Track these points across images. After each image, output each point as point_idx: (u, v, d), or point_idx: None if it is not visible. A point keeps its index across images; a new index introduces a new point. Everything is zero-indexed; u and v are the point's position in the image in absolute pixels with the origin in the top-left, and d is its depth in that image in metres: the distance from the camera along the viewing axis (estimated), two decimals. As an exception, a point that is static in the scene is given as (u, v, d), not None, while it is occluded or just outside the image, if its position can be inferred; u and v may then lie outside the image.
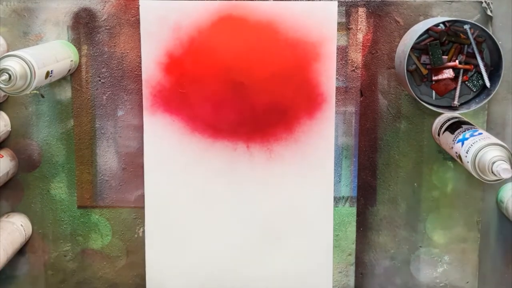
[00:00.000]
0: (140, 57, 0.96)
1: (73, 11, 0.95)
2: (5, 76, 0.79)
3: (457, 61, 0.92)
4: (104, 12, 0.96)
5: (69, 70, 0.94)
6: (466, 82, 0.94)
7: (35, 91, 0.96)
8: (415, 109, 0.97)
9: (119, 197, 0.99)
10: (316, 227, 0.98)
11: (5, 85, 0.80)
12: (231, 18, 0.94)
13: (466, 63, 0.93)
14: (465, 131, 0.87)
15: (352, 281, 1.01)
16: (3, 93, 0.94)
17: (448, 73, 0.93)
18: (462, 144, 0.85)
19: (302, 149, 0.97)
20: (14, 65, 0.80)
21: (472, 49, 0.92)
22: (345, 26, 0.95)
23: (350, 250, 1.00)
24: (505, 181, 0.93)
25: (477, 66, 0.93)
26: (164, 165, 0.97)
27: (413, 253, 1.00)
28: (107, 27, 0.96)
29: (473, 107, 0.91)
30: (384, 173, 0.99)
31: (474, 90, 0.94)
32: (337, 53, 0.95)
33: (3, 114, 0.97)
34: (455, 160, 0.89)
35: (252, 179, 0.98)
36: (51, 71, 0.86)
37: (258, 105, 0.96)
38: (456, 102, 0.93)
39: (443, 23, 0.93)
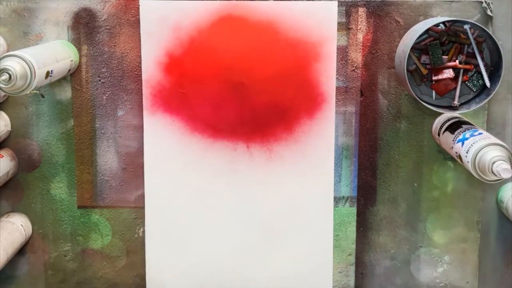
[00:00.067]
0: (140, 57, 0.96)
1: (73, 11, 0.95)
2: (5, 76, 0.79)
3: (457, 61, 0.92)
4: (104, 12, 0.96)
5: (69, 70, 0.94)
6: (466, 82, 0.94)
7: (35, 91, 0.96)
8: (415, 109, 0.97)
9: (119, 197, 0.99)
10: (316, 227, 0.98)
11: (5, 85, 0.80)
12: (231, 18, 0.94)
13: (466, 63, 0.93)
14: (465, 131, 0.87)
15: (352, 281, 1.01)
16: (3, 93, 0.94)
17: (448, 73, 0.93)
18: (462, 144, 0.85)
19: (302, 149, 0.97)
20: (14, 65, 0.80)
21: (472, 49, 0.92)
22: (345, 26, 0.95)
23: (350, 250, 1.00)
24: (505, 181, 0.93)
25: (477, 66, 0.93)
26: (164, 165, 0.97)
27: (413, 253, 1.00)
28: (107, 27, 0.96)
29: (473, 107, 0.91)
30: (384, 173, 0.99)
31: (474, 90, 0.94)
32: (337, 53, 0.95)
33: (3, 114, 0.97)
34: (455, 160, 0.89)
35: (252, 179, 0.98)
36: (51, 71, 0.86)
37: (258, 105, 0.96)
38: (456, 102, 0.93)
39: (443, 23, 0.93)
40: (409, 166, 0.98)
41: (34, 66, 0.81)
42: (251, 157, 0.97)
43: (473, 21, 0.89)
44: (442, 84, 0.94)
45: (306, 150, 0.97)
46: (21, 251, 0.99)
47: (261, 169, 0.97)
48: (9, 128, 0.97)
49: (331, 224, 0.98)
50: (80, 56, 0.96)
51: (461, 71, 0.93)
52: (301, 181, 0.97)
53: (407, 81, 0.90)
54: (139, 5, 0.95)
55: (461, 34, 0.92)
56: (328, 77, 0.95)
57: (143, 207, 0.99)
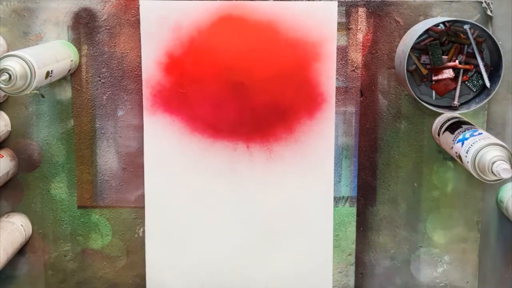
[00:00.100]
0: (140, 57, 0.96)
1: (73, 11, 0.95)
2: (5, 76, 0.79)
3: (457, 61, 0.92)
4: (104, 12, 0.96)
5: (69, 70, 0.94)
6: (466, 82, 0.94)
7: (35, 91, 0.96)
8: (415, 109, 0.97)
9: (119, 197, 0.99)
10: (316, 227, 0.98)
11: (5, 85, 0.80)
12: (231, 18, 0.94)
13: (466, 63, 0.93)
14: (465, 131, 0.87)
15: (352, 281, 1.01)
16: (3, 93, 0.94)
17: (448, 73, 0.93)
18: (462, 144, 0.85)
19: (302, 149, 0.97)
20: (14, 65, 0.80)
21: (472, 49, 0.92)
22: (345, 26, 0.95)
23: (350, 250, 1.00)
24: (505, 181, 0.93)
25: (477, 66, 0.93)
26: (164, 165, 0.97)
27: (413, 253, 1.00)
28: (107, 27, 0.96)
29: (473, 107, 0.91)
30: (384, 173, 0.99)
31: (474, 90, 0.94)
32: (337, 53, 0.95)
33: (3, 114, 0.97)
34: (455, 160, 0.89)
35: (252, 179, 0.98)
36: (51, 71, 0.86)
37: (258, 105, 0.96)
38: (456, 102, 0.93)
39: (443, 23, 0.93)
40: (409, 166, 0.98)
41: (34, 66, 0.81)
42: (251, 157, 0.97)
43: (473, 21, 0.89)
44: (442, 84, 0.94)
45: (306, 150, 0.97)
46: (21, 251, 0.99)
47: (261, 169, 0.97)
48: (9, 128, 0.97)
49: (331, 224, 0.98)
50: (80, 56, 0.96)
51: (461, 71, 0.93)
52: (301, 181, 0.97)
53: (407, 81, 0.90)
54: (139, 5, 0.95)
55: (461, 34, 0.92)
56: (328, 77, 0.95)
57: (143, 207, 0.99)
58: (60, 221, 1.00)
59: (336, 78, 0.96)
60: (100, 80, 0.97)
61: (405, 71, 0.89)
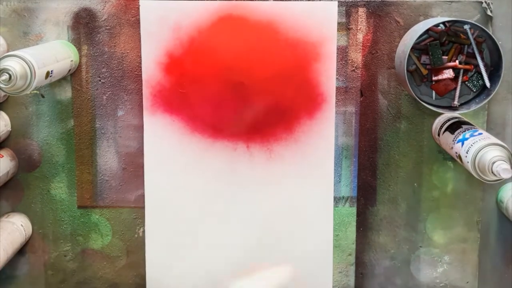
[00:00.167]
0: (140, 57, 0.96)
1: (73, 11, 0.95)
2: (5, 76, 0.79)
3: (457, 61, 0.92)
4: (104, 12, 0.96)
5: (69, 70, 0.94)
6: (466, 82, 0.94)
7: (35, 91, 0.96)
8: (415, 109, 0.97)
9: (119, 197, 0.99)
10: (316, 227, 0.98)
11: (5, 85, 0.80)
12: (231, 18, 0.94)
13: (466, 63, 0.93)
14: (465, 131, 0.87)
15: (352, 281, 1.01)
16: (3, 93, 0.94)
17: (448, 73, 0.93)
18: (462, 144, 0.85)
19: (302, 149, 0.97)
20: (14, 65, 0.80)
21: (472, 49, 0.92)
22: (345, 26, 0.95)
23: (350, 250, 1.00)
24: (505, 181, 0.93)
25: (477, 66, 0.93)
26: (164, 165, 0.97)
27: (413, 253, 1.00)
28: (107, 27, 0.96)
29: (473, 107, 0.91)
30: (384, 173, 0.99)
31: (474, 90, 0.94)
32: (337, 53, 0.95)
33: (3, 114, 0.97)
34: (455, 160, 0.89)
35: (252, 179, 0.98)
36: (51, 71, 0.86)
37: (258, 105, 0.96)
38: (456, 102, 0.93)
39: (443, 23, 0.93)
40: (409, 166, 0.98)
41: (34, 66, 0.81)
42: (251, 157, 0.97)
43: (473, 21, 0.89)
44: (442, 84, 0.94)
45: (306, 150, 0.97)
46: (21, 251, 0.99)
47: (261, 169, 0.97)
48: (9, 128, 0.97)
49: (331, 224, 0.98)
50: (80, 56, 0.96)
51: (461, 71, 0.93)
52: (301, 181, 0.97)
53: (407, 81, 0.90)
54: (139, 5, 0.95)
55: (461, 34, 0.92)
56: (328, 77, 0.95)
57: (143, 207, 0.99)
58: (60, 221, 1.00)
59: (336, 78, 0.96)
60: (100, 80, 0.97)
61: (405, 71, 0.89)
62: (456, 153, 0.86)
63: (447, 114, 0.94)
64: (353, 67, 0.96)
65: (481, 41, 0.92)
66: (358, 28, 0.95)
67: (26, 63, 0.80)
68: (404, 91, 0.97)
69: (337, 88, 0.96)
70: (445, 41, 0.92)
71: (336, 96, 0.96)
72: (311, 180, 0.97)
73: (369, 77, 0.97)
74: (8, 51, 0.94)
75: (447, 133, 0.91)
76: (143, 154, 0.98)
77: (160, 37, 0.95)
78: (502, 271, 1.01)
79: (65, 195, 0.99)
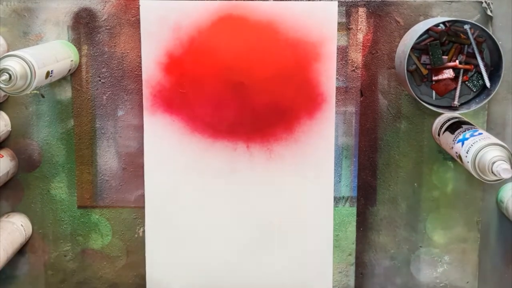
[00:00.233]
0: (140, 57, 0.96)
1: (73, 11, 0.95)
2: (5, 76, 0.79)
3: (457, 61, 0.92)
4: (104, 12, 0.96)
5: (69, 70, 0.94)
6: (466, 82, 0.94)
7: (35, 91, 0.96)
8: (415, 109, 0.97)
9: (119, 197, 0.99)
10: (316, 227, 0.98)
11: (5, 85, 0.80)
12: (231, 18, 0.94)
13: (466, 63, 0.93)
14: (465, 131, 0.87)
15: (352, 281, 1.01)
16: (3, 93, 0.94)
17: (448, 73, 0.93)
18: (462, 144, 0.85)
19: (302, 149, 0.97)
20: (14, 65, 0.80)
21: (472, 49, 0.92)
22: (345, 26, 0.95)
23: (350, 250, 1.00)
24: (505, 181, 0.93)
25: (477, 66, 0.93)
26: (164, 165, 0.97)
27: (413, 253, 1.00)
28: (107, 27, 0.96)
29: (473, 107, 0.91)
30: (384, 173, 0.99)
31: (474, 90, 0.94)
32: (337, 53, 0.95)
33: (3, 114, 0.97)
34: (455, 160, 0.89)
35: (252, 179, 0.98)
36: (51, 71, 0.86)
37: (258, 105, 0.96)
38: (456, 102, 0.93)
39: (443, 23, 0.93)
40: (409, 166, 0.98)
41: (34, 66, 0.81)
42: (251, 157, 0.97)
43: (473, 21, 0.89)
44: (442, 84, 0.94)
45: (306, 150, 0.97)
46: (21, 251, 0.99)
47: (261, 169, 0.97)
48: (9, 128, 0.97)
49: (331, 224, 0.98)
50: (80, 56, 0.96)
51: (461, 71, 0.93)
52: (301, 181, 0.97)
53: (407, 81, 0.90)
54: (139, 5, 0.95)
55: (461, 34, 0.92)
56: (328, 77, 0.95)
57: (143, 207, 0.99)
58: (60, 221, 1.00)
59: (336, 78, 0.96)
60: (100, 80, 0.97)
61: (405, 71, 0.89)
62: (456, 153, 0.86)
63: (447, 114, 0.94)
64: (353, 67, 0.96)
65: (481, 41, 0.92)
66: (358, 28, 0.95)
67: (26, 63, 0.80)
68: (404, 91, 0.97)
69: (337, 88, 0.96)
70: (445, 41, 0.92)
71: (336, 96, 0.96)
72: (311, 180, 0.97)
73: (369, 77, 0.97)
74: (8, 51, 0.94)
75: (447, 133, 0.91)
76: (143, 154, 0.98)
77: (160, 37, 0.95)
78: (502, 271, 1.01)
79: (65, 195, 0.99)
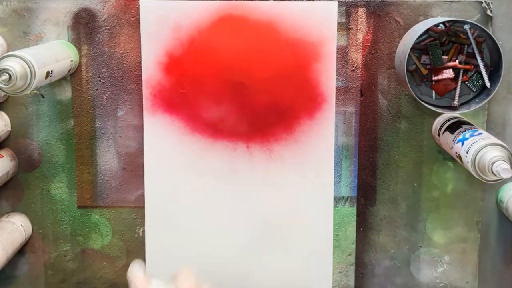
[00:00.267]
0: (140, 57, 0.96)
1: (73, 11, 0.95)
2: (5, 76, 0.79)
3: (457, 61, 0.92)
4: (104, 12, 0.96)
5: (69, 70, 0.94)
6: (466, 82, 0.94)
7: (35, 91, 0.96)
8: (415, 109, 0.97)
9: (119, 197, 0.99)
10: (316, 227, 0.98)
11: (5, 85, 0.80)
12: (231, 18, 0.94)
13: (466, 63, 0.93)
14: (465, 131, 0.87)
15: (352, 281, 1.01)
16: (3, 93, 0.94)
17: (448, 73, 0.93)
18: (462, 144, 0.85)
19: (302, 149, 0.97)
20: (14, 65, 0.80)
21: (472, 49, 0.92)
22: (345, 26, 0.95)
23: (350, 250, 1.00)
24: (505, 181, 0.93)
25: (477, 66, 0.93)
26: (164, 165, 0.97)
27: (413, 253, 1.00)
28: (107, 27, 0.96)
29: (473, 107, 0.91)
30: (384, 173, 0.99)
31: (474, 90, 0.94)
32: (337, 53, 0.95)
33: (3, 114, 0.97)
34: (455, 160, 0.89)
35: (252, 179, 0.98)
36: (51, 71, 0.86)
37: (258, 105, 0.96)
38: (456, 102, 0.93)
39: (443, 23, 0.92)
40: (409, 166, 0.98)
41: (34, 66, 0.81)
42: (251, 157, 0.97)
43: (473, 21, 0.89)
44: (442, 84, 0.94)
45: (306, 150, 0.97)
46: (21, 251, 0.99)
47: (261, 169, 0.97)
48: (9, 128, 0.97)
49: (331, 224, 0.98)
50: (80, 56, 0.96)
51: (461, 71, 0.93)
52: (301, 181, 0.97)
53: (407, 81, 0.90)
54: (139, 5, 0.95)
55: (461, 34, 0.92)
56: (328, 77, 0.95)
57: (143, 207, 0.99)
58: (60, 221, 1.00)
59: (336, 78, 0.96)
60: (100, 80, 0.97)
61: (405, 71, 0.89)
62: (456, 153, 0.86)
63: (447, 114, 0.94)
64: (353, 67, 0.96)
65: (481, 41, 0.92)
66: (358, 28, 0.95)
67: (26, 63, 0.80)
68: (404, 91, 0.97)
69: (337, 88, 0.96)
70: (445, 41, 0.92)
71: (336, 96, 0.96)
72: (311, 180, 0.97)
73: (369, 77, 0.97)
74: (8, 51, 0.94)
75: (447, 133, 0.91)
76: (143, 154, 0.98)
77: (160, 37, 0.95)
78: (502, 271, 1.01)
79: (65, 195, 0.99)
